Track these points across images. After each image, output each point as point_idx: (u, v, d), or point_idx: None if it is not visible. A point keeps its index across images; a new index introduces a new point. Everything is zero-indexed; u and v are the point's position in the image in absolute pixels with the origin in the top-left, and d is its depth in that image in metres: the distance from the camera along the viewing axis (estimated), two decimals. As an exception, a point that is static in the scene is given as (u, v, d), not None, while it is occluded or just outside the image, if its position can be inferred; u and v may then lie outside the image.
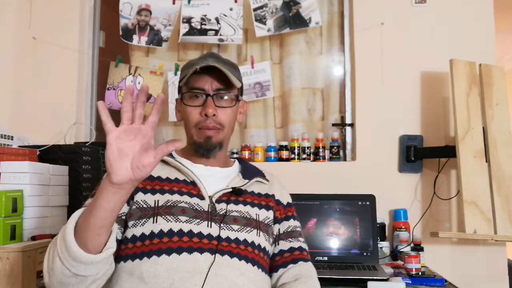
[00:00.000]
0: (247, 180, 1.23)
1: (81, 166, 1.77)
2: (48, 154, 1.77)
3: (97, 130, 2.31)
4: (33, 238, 1.53)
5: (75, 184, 1.75)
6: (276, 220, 1.26)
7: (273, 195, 1.27)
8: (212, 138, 1.19)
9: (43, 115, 2.27)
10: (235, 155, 2.24)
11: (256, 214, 1.20)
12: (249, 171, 1.28)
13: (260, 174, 1.30)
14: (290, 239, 1.25)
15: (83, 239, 0.90)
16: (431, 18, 2.16)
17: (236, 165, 1.31)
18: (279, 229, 1.26)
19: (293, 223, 1.28)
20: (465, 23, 2.14)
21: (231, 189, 1.19)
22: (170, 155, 1.24)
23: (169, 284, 1.01)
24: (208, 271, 1.04)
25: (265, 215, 1.22)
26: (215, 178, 1.21)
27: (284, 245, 1.24)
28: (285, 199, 1.31)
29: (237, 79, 1.20)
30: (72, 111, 2.29)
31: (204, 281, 1.02)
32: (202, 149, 1.20)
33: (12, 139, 1.85)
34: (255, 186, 1.26)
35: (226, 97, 1.20)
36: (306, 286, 1.16)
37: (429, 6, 2.16)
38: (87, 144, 1.90)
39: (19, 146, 1.82)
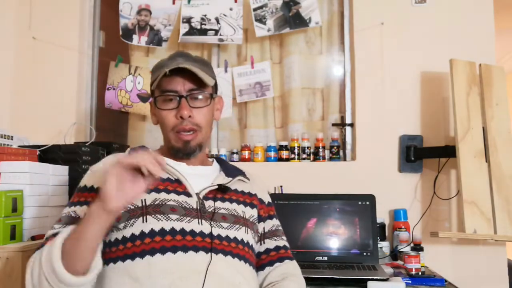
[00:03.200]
0: (230, 178, 1.23)
1: (81, 166, 1.77)
2: (48, 154, 1.78)
3: (97, 130, 2.31)
4: (33, 238, 1.54)
5: (75, 184, 1.74)
6: (261, 219, 1.27)
7: (255, 194, 1.28)
8: (191, 142, 1.17)
9: (43, 115, 2.27)
10: (235, 155, 2.25)
11: (243, 212, 1.21)
12: (230, 170, 1.28)
13: (241, 172, 1.30)
14: (275, 238, 1.26)
15: (71, 263, 0.92)
16: (431, 18, 2.15)
17: (216, 164, 1.31)
18: (264, 228, 1.27)
19: (276, 222, 1.30)
20: (465, 23, 2.14)
21: (216, 186, 1.18)
22: None
23: (168, 284, 1.01)
24: (207, 270, 1.04)
25: (250, 213, 1.23)
26: (199, 176, 1.20)
27: (270, 243, 1.25)
28: (266, 198, 1.32)
29: (210, 76, 1.19)
30: (72, 111, 2.29)
31: (204, 280, 1.02)
32: (181, 153, 1.19)
33: (12, 139, 1.85)
34: (237, 184, 1.26)
35: (200, 97, 1.18)
36: (296, 284, 1.17)
37: (429, 6, 2.16)
38: (87, 144, 1.89)
39: (19, 146, 1.82)
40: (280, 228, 1.31)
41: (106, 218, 0.92)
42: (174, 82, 1.16)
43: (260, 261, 1.22)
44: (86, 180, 1.19)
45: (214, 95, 1.24)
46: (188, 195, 1.15)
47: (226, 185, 1.20)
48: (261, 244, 1.25)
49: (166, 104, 1.17)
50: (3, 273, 1.38)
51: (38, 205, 1.59)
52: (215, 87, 1.25)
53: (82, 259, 0.93)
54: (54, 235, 1.04)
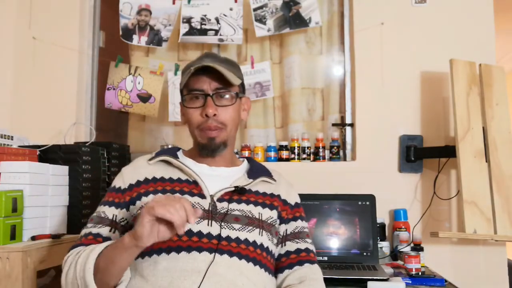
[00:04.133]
0: (251, 180, 1.23)
1: (81, 166, 1.77)
2: (48, 154, 1.77)
3: (97, 130, 2.31)
4: (33, 238, 1.54)
5: (75, 184, 1.75)
6: (283, 220, 1.25)
7: (278, 195, 1.26)
8: (216, 139, 1.19)
9: (43, 115, 2.27)
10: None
11: (259, 213, 1.19)
12: (255, 171, 1.27)
13: (267, 173, 1.29)
14: (297, 240, 1.24)
15: (104, 280, 1.02)
16: (431, 18, 2.15)
17: (244, 164, 1.31)
18: (286, 230, 1.25)
19: (301, 224, 1.27)
20: (465, 23, 2.14)
21: (233, 188, 1.18)
22: (175, 155, 1.24)
23: (168, 283, 1.03)
24: (207, 271, 1.04)
25: (269, 214, 1.22)
26: (218, 178, 1.21)
27: (290, 246, 1.23)
28: (293, 199, 1.30)
29: (236, 76, 1.20)
30: (72, 111, 2.29)
31: (202, 280, 1.03)
32: (206, 150, 1.21)
33: (12, 139, 1.85)
34: (260, 185, 1.25)
35: (226, 96, 1.20)
36: None
37: (429, 6, 2.16)
38: (87, 144, 1.89)
39: (19, 146, 1.82)
40: (306, 230, 1.27)
41: (137, 250, 0.99)
42: (200, 81, 1.19)
43: (280, 264, 1.21)
44: (116, 181, 1.24)
45: (241, 94, 1.26)
46: (202, 196, 1.16)
47: (245, 186, 1.20)
48: (282, 246, 1.23)
49: (193, 102, 1.20)
50: (3, 273, 1.38)
51: (38, 205, 1.59)
52: (242, 87, 1.27)
53: (113, 278, 1.03)
54: (87, 235, 1.15)
